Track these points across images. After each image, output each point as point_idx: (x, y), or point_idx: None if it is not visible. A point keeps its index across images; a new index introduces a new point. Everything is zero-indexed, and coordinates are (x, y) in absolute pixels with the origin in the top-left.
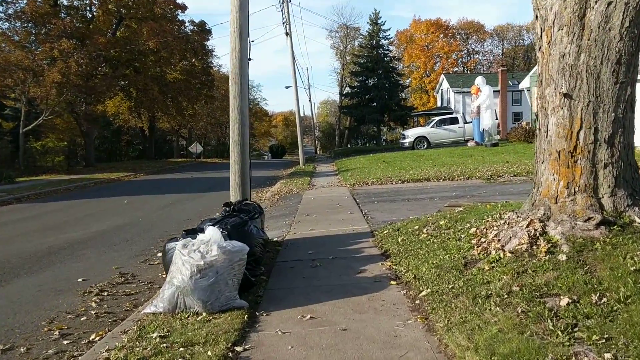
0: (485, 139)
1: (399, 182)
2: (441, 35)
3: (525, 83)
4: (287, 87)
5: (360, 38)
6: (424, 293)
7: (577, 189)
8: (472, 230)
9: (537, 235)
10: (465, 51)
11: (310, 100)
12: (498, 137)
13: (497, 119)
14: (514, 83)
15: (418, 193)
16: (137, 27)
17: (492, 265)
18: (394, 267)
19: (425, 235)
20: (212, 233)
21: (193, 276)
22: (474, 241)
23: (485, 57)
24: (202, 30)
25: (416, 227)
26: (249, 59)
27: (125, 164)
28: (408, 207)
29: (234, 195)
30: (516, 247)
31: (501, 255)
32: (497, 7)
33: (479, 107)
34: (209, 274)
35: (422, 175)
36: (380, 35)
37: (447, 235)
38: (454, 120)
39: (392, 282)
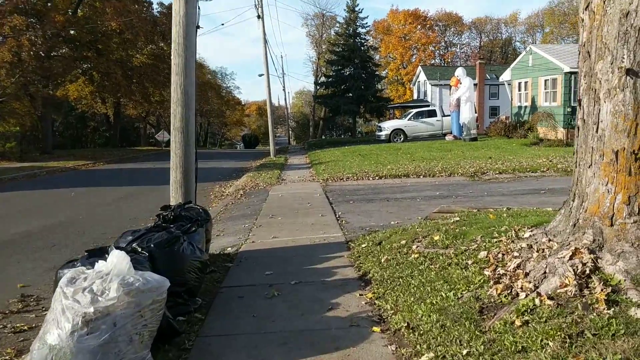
0: (464, 133)
1: (376, 177)
2: (419, 27)
3: (505, 76)
4: (260, 75)
5: (336, 27)
6: (424, 359)
7: None
8: (482, 254)
9: (588, 272)
10: (443, 43)
11: (284, 89)
12: (474, 131)
13: (476, 112)
14: (492, 77)
15: (398, 191)
16: (100, 6)
17: (525, 317)
18: (376, 301)
19: (416, 256)
20: (116, 261)
21: (76, 331)
22: (487, 272)
23: (462, 50)
24: (171, 13)
25: (403, 242)
26: (197, 27)
27: (86, 152)
28: (388, 208)
29: (174, 197)
30: (558, 291)
31: (536, 302)
32: (475, 1)
33: (458, 100)
34: (102, 327)
35: (401, 170)
36: (358, 24)
37: (446, 258)
38: (432, 113)
39: (375, 329)
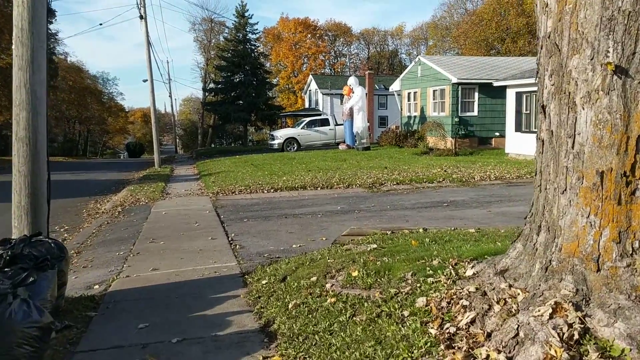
0: (357, 142)
1: (272, 190)
2: (309, 35)
3: (395, 86)
4: (144, 81)
5: (225, 32)
6: None
7: (639, 245)
8: (420, 301)
9: (577, 337)
10: (333, 53)
11: (170, 96)
12: (367, 140)
13: (368, 121)
14: (380, 87)
15: (296, 206)
16: None
17: None
18: None
19: (333, 300)
20: None
21: None
22: (433, 329)
23: (352, 60)
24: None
25: (313, 279)
26: (51, 11)
27: None
28: (288, 227)
29: (17, 227)
30: None
31: None
32: (363, 13)
33: (351, 109)
34: None
35: (297, 182)
36: (247, 29)
37: (373, 306)
38: (325, 122)
39: None
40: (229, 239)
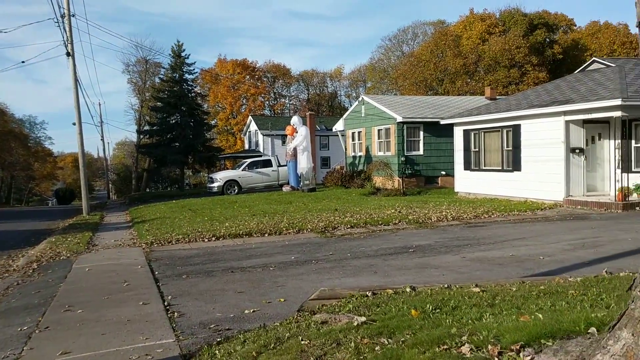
0: (302, 184)
1: (213, 238)
2: (248, 77)
3: (338, 126)
4: (73, 124)
5: (161, 74)
6: None
7: None
8: None
9: None
10: (272, 94)
11: (102, 139)
12: (312, 181)
13: (313, 162)
14: (322, 127)
15: (243, 257)
16: None
17: None
18: None
19: None
20: None
21: None
22: None
23: (292, 102)
24: None
25: None
26: None
27: None
28: (236, 285)
29: None
30: None
31: None
32: (302, 57)
33: (295, 149)
34: None
35: (241, 228)
36: (184, 69)
37: None
38: (267, 163)
39: None
40: (165, 303)
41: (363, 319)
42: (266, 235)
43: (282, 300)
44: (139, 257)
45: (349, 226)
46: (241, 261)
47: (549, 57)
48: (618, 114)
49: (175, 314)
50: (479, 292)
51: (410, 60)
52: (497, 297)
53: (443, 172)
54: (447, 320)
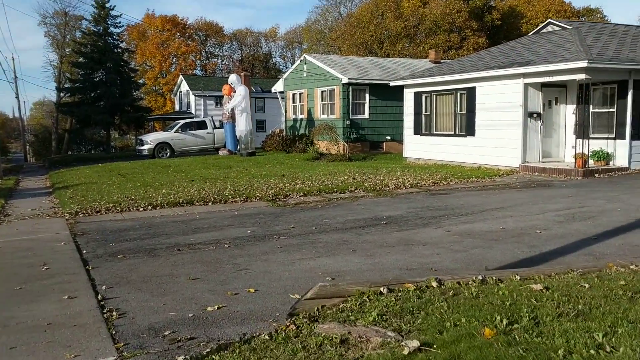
0: (240, 147)
1: (149, 207)
2: (178, 34)
3: (278, 87)
4: None
5: (83, 28)
6: None
7: None
8: None
9: None
10: (204, 53)
11: (17, 97)
12: (252, 145)
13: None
14: (257, 89)
15: (189, 230)
16: None
17: None
18: None
19: None
20: None
21: None
22: None
23: (224, 62)
24: None
25: None
26: None
27: None
28: (188, 269)
29: None
30: None
31: None
32: (235, 15)
33: (232, 111)
34: None
35: (181, 196)
36: (109, 22)
37: None
38: (202, 125)
39: None
40: (99, 296)
41: (415, 343)
42: (210, 203)
43: (252, 290)
44: (61, 230)
45: (301, 194)
46: (188, 236)
47: (488, 23)
48: (582, 76)
49: (114, 313)
50: (542, 290)
51: (349, 21)
52: (577, 299)
53: (388, 137)
54: (549, 348)
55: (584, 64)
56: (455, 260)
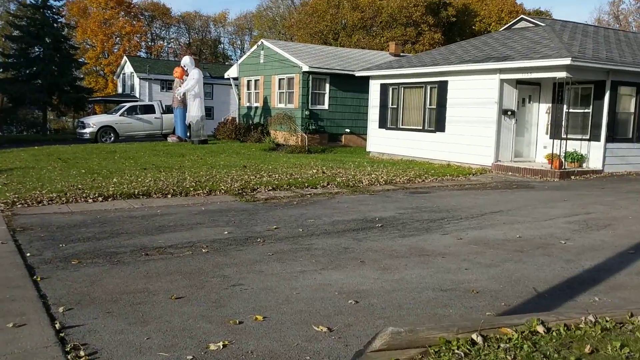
0: (192, 134)
1: (100, 198)
2: (122, 13)
3: (232, 72)
4: None
5: (17, 1)
6: None
7: None
8: None
9: None
10: (150, 35)
11: None
12: (201, 132)
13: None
14: (205, 75)
15: (152, 228)
16: None
17: None
18: None
19: None
20: None
21: None
22: None
23: (170, 45)
24: None
25: None
26: None
27: None
28: (167, 283)
29: None
30: None
31: None
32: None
33: (183, 96)
34: None
35: (135, 186)
36: None
37: None
38: (150, 109)
39: None
40: (57, 324)
41: None
42: (169, 196)
43: (259, 318)
44: None
45: (270, 188)
46: (153, 236)
47: (444, 19)
48: (562, 74)
49: (82, 352)
50: None
51: (305, 9)
52: None
53: (347, 130)
54: None
55: (567, 61)
56: (492, 278)
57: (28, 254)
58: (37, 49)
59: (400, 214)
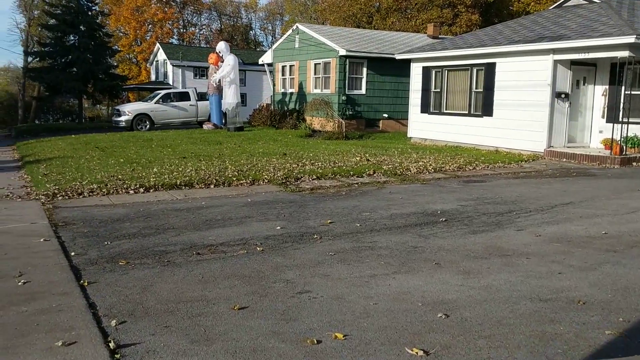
0: (228, 121)
1: (142, 189)
2: (154, 0)
3: (266, 58)
4: None
5: None
6: None
7: None
8: None
9: None
10: (182, 22)
11: None
12: (237, 119)
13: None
14: (239, 61)
15: (200, 223)
16: None
17: None
18: None
19: None
20: None
21: None
22: None
23: (202, 31)
24: None
25: None
26: None
27: None
28: (225, 290)
29: None
30: None
31: None
32: None
33: (219, 82)
34: None
35: (177, 176)
36: None
37: None
38: (185, 96)
39: None
40: (110, 343)
41: None
42: (212, 186)
43: (339, 337)
44: (38, 218)
45: (314, 177)
46: (202, 232)
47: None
48: (625, 54)
49: None
50: None
51: None
52: None
53: (385, 115)
54: None
55: (630, 39)
56: (595, 285)
57: (73, 253)
58: (72, 38)
59: (463, 207)
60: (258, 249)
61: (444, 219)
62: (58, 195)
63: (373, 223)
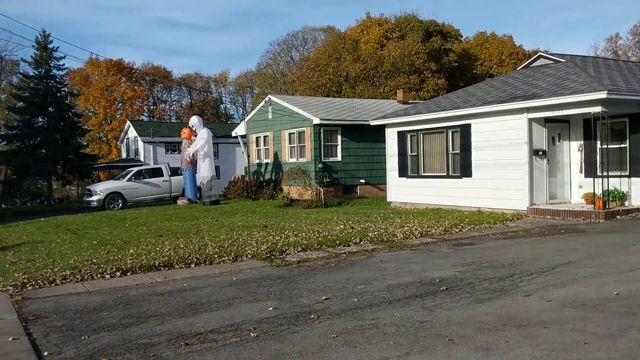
0: (203, 195)
1: (118, 273)
2: (124, 79)
3: (239, 130)
4: None
5: (20, 73)
6: None
7: None
8: None
9: None
10: (151, 99)
11: None
12: (212, 193)
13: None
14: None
15: (185, 308)
16: None
17: None
18: None
19: None
20: None
21: None
22: None
23: (172, 107)
24: None
25: None
26: None
27: None
28: None
29: None
30: None
31: None
32: (179, 65)
33: (192, 156)
34: None
35: (155, 256)
36: (52, 64)
37: None
38: (158, 172)
39: None
40: None
41: None
42: (193, 265)
43: None
44: (6, 313)
45: (299, 249)
46: (187, 317)
47: (446, 65)
48: (597, 109)
49: None
50: None
51: (306, 64)
52: None
53: (362, 181)
54: None
55: (602, 95)
56: (627, 356)
57: (45, 353)
58: (40, 119)
59: (461, 273)
60: (252, 334)
61: (444, 288)
62: (28, 285)
63: (371, 297)
